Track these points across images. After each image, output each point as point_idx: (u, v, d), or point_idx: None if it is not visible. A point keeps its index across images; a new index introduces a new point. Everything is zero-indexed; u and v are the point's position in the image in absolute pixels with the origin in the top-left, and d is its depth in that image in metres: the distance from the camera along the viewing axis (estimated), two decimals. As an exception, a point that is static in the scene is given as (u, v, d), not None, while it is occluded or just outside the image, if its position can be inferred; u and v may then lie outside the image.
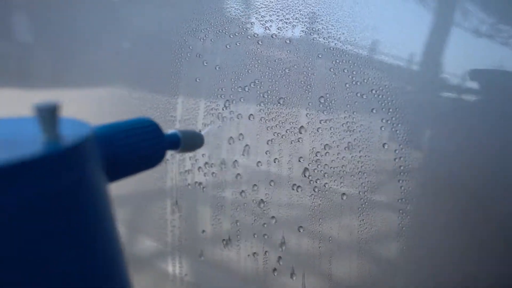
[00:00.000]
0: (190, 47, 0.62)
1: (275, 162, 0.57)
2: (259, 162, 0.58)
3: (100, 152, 0.26)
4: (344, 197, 0.52)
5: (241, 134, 0.59)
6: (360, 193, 0.51)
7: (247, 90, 0.57)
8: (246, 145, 0.58)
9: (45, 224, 0.20)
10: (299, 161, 0.55)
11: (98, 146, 0.26)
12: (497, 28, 0.44)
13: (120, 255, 0.26)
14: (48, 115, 0.22)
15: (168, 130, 0.38)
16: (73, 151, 0.22)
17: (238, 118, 0.58)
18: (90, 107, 0.77)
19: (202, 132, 0.44)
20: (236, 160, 0.60)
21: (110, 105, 0.74)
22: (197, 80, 0.61)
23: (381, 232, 0.50)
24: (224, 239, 0.62)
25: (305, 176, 0.54)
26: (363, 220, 0.51)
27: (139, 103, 0.69)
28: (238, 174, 0.60)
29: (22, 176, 0.19)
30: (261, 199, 0.58)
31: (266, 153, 0.57)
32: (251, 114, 0.57)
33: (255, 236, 0.60)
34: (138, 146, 0.32)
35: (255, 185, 0.59)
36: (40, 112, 0.21)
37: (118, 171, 0.30)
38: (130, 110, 0.70)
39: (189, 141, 0.40)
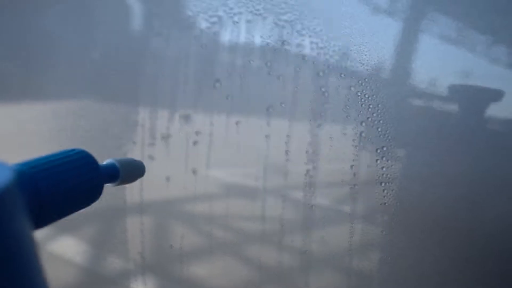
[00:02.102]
0: (153, 47, 0.58)
1: (245, 173, 0.53)
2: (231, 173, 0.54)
3: (25, 196, 0.23)
4: (317, 209, 0.50)
5: (210, 139, 0.54)
6: (336, 204, 0.50)
7: (212, 90, 0.53)
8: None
9: None
10: (274, 172, 0.52)
11: (22, 190, 0.23)
12: (464, 34, 0.44)
13: None
14: None
15: (103, 160, 0.33)
16: None
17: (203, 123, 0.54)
18: (55, 120, 0.73)
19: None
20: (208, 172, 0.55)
21: (78, 117, 0.69)
22: (158, 84, 0.57)
23: (362, 243, 0.48)
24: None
25: (278, 187, 0.52)
26: (341, 231, 0.49)
27: (103, 113, 0.65)
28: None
29: None
30: (229, 212, 0.55)
31: (233, 164, 0.54)
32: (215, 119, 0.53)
33: (225, 251, 0.56)
34: (70, 183, 0.28)
35: (225, 197, 0.55)
36: None
37: (49, 214, 0.26)
38: (92, 121, 0.66)
39: (129, 171, 0.35)
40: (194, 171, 0.56)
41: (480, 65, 0.43)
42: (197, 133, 0.55)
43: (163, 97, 0.58)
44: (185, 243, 0.59)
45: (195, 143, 0.56)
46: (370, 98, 0.46)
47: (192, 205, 0.58)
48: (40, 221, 0.25)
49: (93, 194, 0.30)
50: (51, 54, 0.73)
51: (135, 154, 0.59)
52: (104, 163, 0.33)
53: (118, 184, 0.35)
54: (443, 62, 0.44)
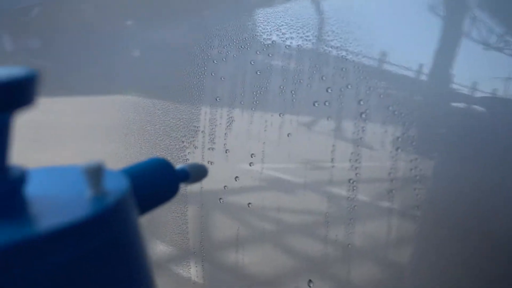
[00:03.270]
0: (214, 61, 0.65)
1: (289, 168, 0.59)
2: (278, 168, 0.60)
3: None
4: (358, 204, 0.54)
5: (264, 143, 0.61)
6: (374, 200, 0.53)
7: (266, 100, 0.60)
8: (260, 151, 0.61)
9: (96, 277, 0.22)
10: (315, 168, 0.57)
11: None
12: (506, 39, 0.45)
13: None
14: (95, 174, 0.23)
15: (176, 165, 0.41)
16: (119, 205, 0.24)
17: (257, 129, 0.61)
18: (112, 115, 0.80)
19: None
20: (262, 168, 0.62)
21: (134, 114, 0.77)
22: (217, 98, 0.64)
23: (395, 238, 0.52)
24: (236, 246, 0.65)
25: (318, 182, 0.57)
26: (377, 226, 0.53)
27: (162, 113, 0.72)
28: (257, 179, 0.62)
29: (76, 235, 0.21)
30: (276, 205, 0.61)
31: (282, 160, 0.59)
32: (270, 124, 0.60)
33: (269, 241, 0.62)
34: (155, 186, 0.35)
35: (269, 191, 0.61)
36: (88, 172, 0.23)
37: (140, 210, 0.33)
38: (154, 119, 0.73)
39: (196, 174, 0.43)
40: (251, 164, 0.63)
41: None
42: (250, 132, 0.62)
43: (221, 104, 0.65)
44: (233, 233, 0.65)
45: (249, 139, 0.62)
46: (409, 101, 0.48)
47: (243, 198, 0.64)
48: None
49: (171, 193, 0.37)
50: (118, 53, 0.80)
51: (195, 156, 0.67)
52: (177, 167, 0.42)
53: (188, 184, 0.43)
54: (484, 67, 0.45)
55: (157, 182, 0.36)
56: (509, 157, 0.45)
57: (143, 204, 0.33)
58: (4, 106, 0.21)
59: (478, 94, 0.45)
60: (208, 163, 0.66)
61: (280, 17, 0.59)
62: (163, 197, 0.37)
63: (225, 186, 0.65)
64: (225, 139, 0.65)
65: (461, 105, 0.47)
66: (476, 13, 0.47)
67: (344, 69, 0.54)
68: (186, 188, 0.70)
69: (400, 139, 0.50)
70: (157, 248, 0.77)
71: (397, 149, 0.50)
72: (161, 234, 0.77)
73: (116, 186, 0.25)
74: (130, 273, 0.25)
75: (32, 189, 0.24)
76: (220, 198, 0.66)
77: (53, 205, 0.23)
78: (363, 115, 0.52)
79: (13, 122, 0.22)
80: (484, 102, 0.45)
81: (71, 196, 0.24)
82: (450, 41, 0.47)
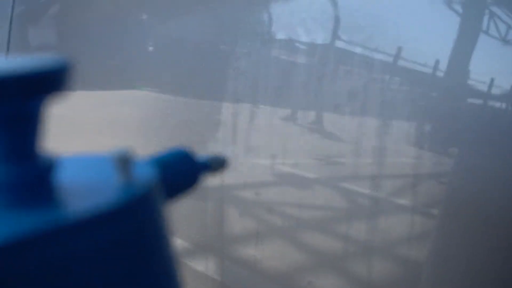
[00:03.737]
0: (237, 56, 0.65)
1: (300, 163, 0.59)
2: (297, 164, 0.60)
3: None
4: (373, 200, 0.54)
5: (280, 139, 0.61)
6: (389, 196, 0.53)
7: (288, 95, 0.60)
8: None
9: (125, 265, 0.22)
10: (327, 163, 0.57)
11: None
12: None
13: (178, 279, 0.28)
14: (125, 161, 0.23)
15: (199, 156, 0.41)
16: (149, 192, 0.24)
17: (274, 124, 0.61)
18: (134, 110, 0.81)
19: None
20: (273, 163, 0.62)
21: (156, 108, 0.77)
22: (238, 93, 0.64)
23: (408, 235, 0.52)
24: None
25: (332, 178, 0.57)
26: (390, 222, 0.53)
27: (184, 107, 0.72)
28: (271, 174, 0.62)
29: (106, 222, 0.21)
30: (292, 201, 0.61)
31: (293, 155, 0.59)
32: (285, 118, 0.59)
33: (281, 236, 0.62)
34: (177, 176, 0.35)
35: (280, 186, 0.61)
36: (117, 160, 0.23)
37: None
38: (176, 113, 0.74)
39: (216, 165, 0.43)
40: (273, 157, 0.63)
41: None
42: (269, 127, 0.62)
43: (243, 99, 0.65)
44: (240, 227, 0.66)
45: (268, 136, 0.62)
46: (426, 96, 0.48)
47: (248, 192, 0.65)
48: None
49: (192, 184, 0.38)
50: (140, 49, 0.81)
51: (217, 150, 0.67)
52: (198, 158, 0.42)
53: (209, 175, 0.43)
54: (502, 63, 0.45)
55: (179, 172, 0.36)
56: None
57: (167, 192, 0.33)
58: (34, 93, 0.21)
59: (497, 91, 0.45)
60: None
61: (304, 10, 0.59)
62: (184, 188, 0.37)
63: (243, 181, 0.65)
64: (246, 134, 0.64)
65: (482, 101, 0.46)
66: (494, 8, 0.47)
67: (368, 63, 0.53)
68: (205, 182, 0.70)
69: (421, 134, 0.49)
70: (174, 242, 0.77)
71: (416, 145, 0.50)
72: (178, 228, 0.77)
73: (145, 174, 0.25)
74: (157, 263, 0.25)
75: (63, 177, 0.24)
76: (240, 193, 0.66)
77: (83, 192, 0.23)
78: (383, 112, 0.52)
79: (44, 111, 0.22)
80: (503, 98, 0.45)
81: (101, 183, 0.24)
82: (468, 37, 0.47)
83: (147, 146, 0.78)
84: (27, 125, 0.22)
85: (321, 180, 0.58)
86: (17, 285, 0.19)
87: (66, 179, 0.24)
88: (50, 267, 0.20)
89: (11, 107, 0.21)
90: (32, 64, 0.20)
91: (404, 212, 0.52)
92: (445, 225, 0.50)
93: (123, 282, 0.22)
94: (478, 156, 0.47)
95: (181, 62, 0.74)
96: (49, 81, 0.21)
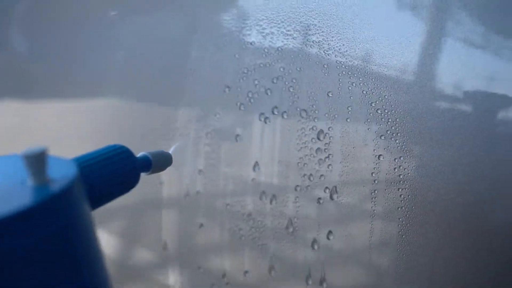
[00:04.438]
0: (193, 59, 0.63)
1: (272, 171, 0.57)
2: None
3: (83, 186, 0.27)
4: (341, 206, 0.53)
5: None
6: (358, 202, 0.52)
7: (247, 100, 0.58)
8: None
9: (41, 268, 0.21)
10: (296, 170, 0.55)
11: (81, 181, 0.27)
12: (489, 38, 0.45)
13: (107, 279, 0.27)
14: (37, 161, 0.21)
15: (137, 153, 0.39)
16: (64, 194, 0.22)
17: (238, 131, 0.59)
18: (89, 119, 0.78)
19: (170, 151, 0.45)
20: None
21: (110, 117, 0.74)
22: (196, 93, 0.62)
23: (380, 241, 0.51)
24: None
25: (299, 186, 0.55)
26: (361, 229, 0.52)
27: (139, 115, 0.70)
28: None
29: (17, 226, 0.19)
30: (257, 209, 0.59)
31: (270, 163, 0.58)
32: (249, 125, 0.58)
33: (253, 246, 0.60)
34: (114, 174, 0.33)
35: (249, 194, 0.59)
36: (28, 159, 0.21)
37: (97, 200, 0.31)
38: (131, 122, 0.71)
39: (159, 162, 0.41)
40: (226, 172, 0.61)
41: (505, 70, 0.44)
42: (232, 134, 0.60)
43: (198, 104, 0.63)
44: (210, 237, 0.64)
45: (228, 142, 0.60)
46: (391, 100, 0.48)
47: (221, 201, 0.62)
48: (91, 205, 0.29)
49: (132, 182, 0.36)
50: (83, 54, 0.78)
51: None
52: (139, 155, 0.39)
53: (151, 173, 0.41)
54: (467, 66, 0.45)
55: (115, 170, 0.34)
56: (493, 154, 0.44)
57: (99, 193, 0.31)
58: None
59: (461, 93, 0.45)
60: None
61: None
62: (121, 187, 0.35)
63: (199, 190, 0.63)
64: (205, 140, 0.62)
65: (444, 104, 0.46)
66: (459, 12, 0.47)
67: (326, 66, 0.52)
68: (163, 192, 0.67)
69: (383, 138, 0.49)
70: (136, 254, 0.75)
71: (379, 149, 0.49)
72: (139, 239, 0.75)
73: (62, 174, 0.23)
74: (79, 263, 0.24)
75: None
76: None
77: None
78: (348, 118, 0.51)
79: None
80: (467, 101, 0.45)
81: (11, 185, 0.22)
82: (434, 40, 0.47)
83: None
84: None
85: (287, 187, 0.57)
86: None
87: None
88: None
89: None
90: None
91: (369, 219, 0.52)
92: (409, 232, 0.50)
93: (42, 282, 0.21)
94: (439, 160, 0.47)
95: (138, 67, 0.72)
96: None
